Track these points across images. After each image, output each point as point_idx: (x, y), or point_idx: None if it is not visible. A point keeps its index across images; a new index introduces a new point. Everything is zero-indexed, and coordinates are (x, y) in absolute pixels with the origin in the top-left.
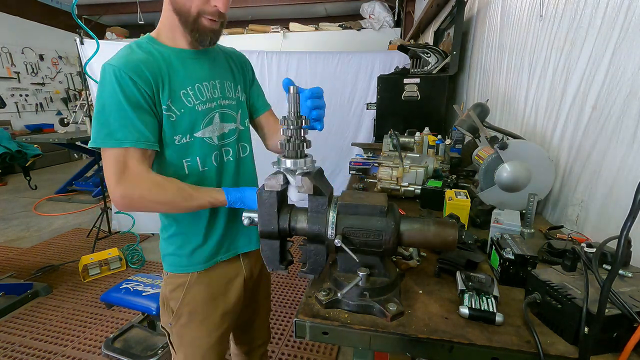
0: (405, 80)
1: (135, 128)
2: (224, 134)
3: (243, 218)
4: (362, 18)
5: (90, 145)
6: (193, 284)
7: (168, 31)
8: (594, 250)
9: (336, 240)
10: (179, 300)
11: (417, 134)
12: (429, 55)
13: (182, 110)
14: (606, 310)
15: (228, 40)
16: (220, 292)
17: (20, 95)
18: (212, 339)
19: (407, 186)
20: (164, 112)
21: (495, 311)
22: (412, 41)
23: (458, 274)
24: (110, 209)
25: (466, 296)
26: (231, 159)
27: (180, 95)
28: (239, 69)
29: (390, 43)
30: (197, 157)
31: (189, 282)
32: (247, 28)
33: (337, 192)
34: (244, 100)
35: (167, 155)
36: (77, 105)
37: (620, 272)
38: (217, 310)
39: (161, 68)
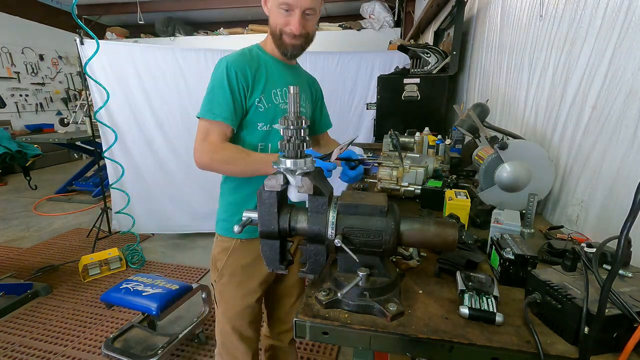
0: (405, 80)
1: (229, 108)
2: None
3: (243, 217)
4: (362, 18)
5: (197, 115)
6: (236, 249)
7: (270, 44)
8: (594, 250)
9: (336, 240)
10: (223, 262)
11: (417, 134)
12: (429, 55)
13: (269, 105)
14: (606, 310)
15: (228, 40)
16: (257, 262)
17: (20, 95)
18: (245, 302)
19: (407, 186)
20: (255, 103)
21: (495, 311)
22: (412, 41)
23: (458, 274)
24: (110, 209)
25: (466, 296)
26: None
27: (271, 93)
28: (312, 89)
29: (390, 43)
30: (270, 144)
31: (233, 247)
32: (247, 28)
33: (337, 192)
34: (309, 115)
35: (247, 137)
36: (77, 106)
37: (620, 272)
38: (253, 277)
39: (261, 70)
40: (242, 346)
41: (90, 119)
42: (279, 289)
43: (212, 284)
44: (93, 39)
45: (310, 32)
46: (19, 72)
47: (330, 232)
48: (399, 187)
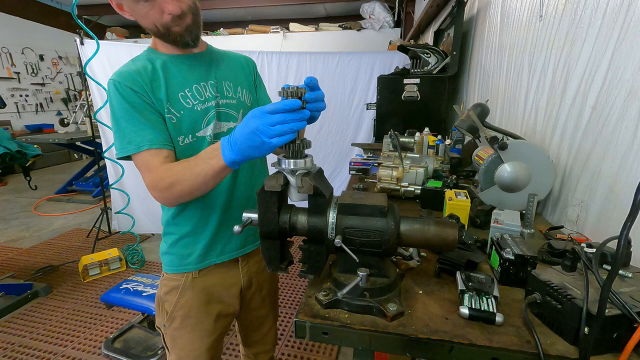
0: (405, 81)
1: (146, 131)
2: (223, 133)
3: (243, 218)
4: (362, 18)
5: (117, 156)
6: (187, 287)
7: (160, 44)
8: (594, 250)
9: (336, 241)
10: (172, 303)
11: (417, 134)
12: (429, 55)
13: (182, 112)
14: (606, 311)
15: (228, 40)
16: (216, 298)
17: (20, 96)
18: (204, 344)
19: (407, 186)
20: (165, 115)
21: (495, 311)
22: (412, 41)
23: (458, 274)
24: (110, 209)
25: (466, 296)
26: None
27: (178, 98)
28: (242, 69)
29: (390, 43)
30: None
31: (183, 285)
32: (247, 28)
33: (337, 192)
34: (248, 100)
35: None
36: (77, 106)
37: (621, 272)
38: (211, 315)
39: (156, 75)
40: None
41: (90, 119)
42: (247, 321)
43: (158, 327)
44: (93, 39)
45: (191, 3)
46: (19, 72)
47: (330, 232)
48: (399, 187)
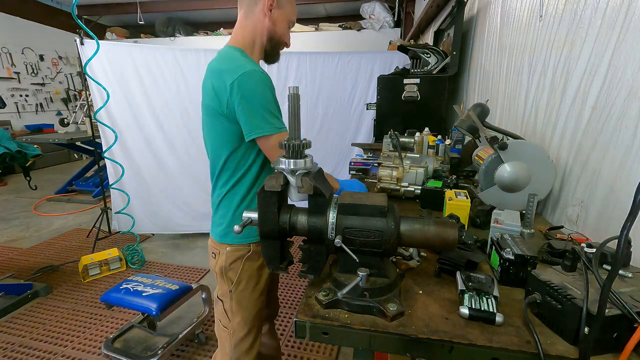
0: (405, 81)
1: (281, 118)
2: None
3: (243, 218)
4: (362, 18)
5: (257, 135)
6: (253, 254)
7: (251, 47)
8: (594, 250)
9: (336, 241)
10: (237, 271)
11: (417, 134)
12: (429, 55)
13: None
14: (606, 311)
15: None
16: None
17: (20, 96)
18: (261, 302)
19: (407, 186)
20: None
21: (495, 311)
22: (412, 41)
23: (458, 274)
24: (110, 209)
25: (466, 296)
26: None
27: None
28: None
29: (390, 43)
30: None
31: (248, 253)
32: None
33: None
34: None
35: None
36: (77, 106)
37: (621, 272)
38: (264, 275)
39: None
40: (254, 348)
41: (90, 119)
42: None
43: (221, 299)
44: (93, 39)
45: None
46: (19, 73)
47: (330, 232)
48: (399, 187)
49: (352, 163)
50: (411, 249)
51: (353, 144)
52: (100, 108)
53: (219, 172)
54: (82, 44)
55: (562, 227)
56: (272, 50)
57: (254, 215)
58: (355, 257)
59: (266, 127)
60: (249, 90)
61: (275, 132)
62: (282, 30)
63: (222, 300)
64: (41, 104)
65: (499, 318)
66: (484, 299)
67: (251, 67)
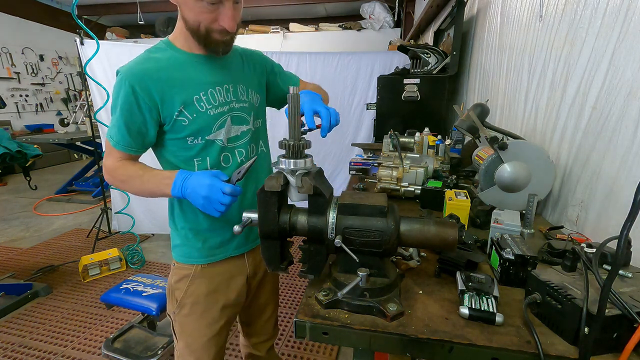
0: (405, 81)
1: (124, 136)
2: (236, 136)
3: (243, 218)
4: (362, 18)
5: (106, 135)
6: (197, 276)
7: (183, 39)
8: (594, 250)
9: (336, 241)
10: (182, 291)
11: (417, 134)
12: (429, 55)
13: (195, 115)
14: (606, 311)
15: None
16: (222, 287)
17: (21, 96)
18: (210, 331)
19: (407, 186)
20: (175, 117)
21: (495, 311)
22: (412, 41)
23: (458, 274)
24: (110, 209)
25: (466, 296)
26: (244, 160)
27: (193, 101)
28: (253, 69)
29: (390, 43)
30: (208, 158)
31: (193, 274)
32: (247, 28)
33: (337, 192)
34: (258, 102)
35: (179, 152)
36: (77, 106)
37: (621, 272)
38: (218, 304)
39: (172, 78)
40: None
41: (90, 119)
42: (251, 310)
43: (169, 315)
44: (93, 39)
45: (239, 20)
46: (19, 73)
47: (330, 232)
48: (399, 188)
49: (352, 163)
50: (411, 249)
51: (353, 144)
52: (100, 108)
53: None
54: (82, 44)
55: (562, 227)
56: (203, 40)
57: (254, 215)
58: (355, 257)
59: (108, 128)
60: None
61: (106, 136)
62: (196, 15)
63: (170, 317)
64: (41, 104)
65: (499, 318)
66: (484, 299)
67: (125, 67)
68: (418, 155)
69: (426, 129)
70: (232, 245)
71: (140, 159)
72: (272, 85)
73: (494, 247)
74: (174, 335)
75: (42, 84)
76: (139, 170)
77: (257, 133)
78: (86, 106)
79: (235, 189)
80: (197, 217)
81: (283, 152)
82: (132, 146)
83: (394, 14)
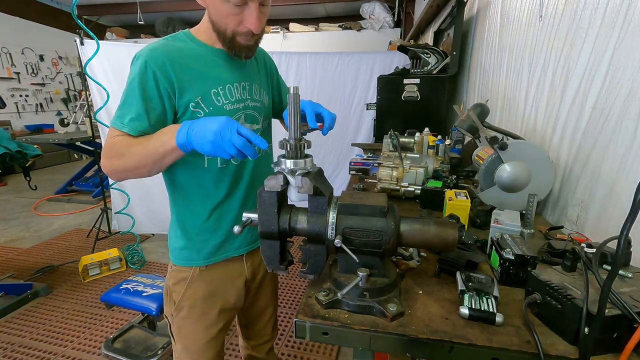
0: (405, 81)
1: (141, 121)
2: None
3: (243, 218)
4: (362, 18)
5: (110, 123)
6: (195, 279)
7: (207, 34)
8: (594, 250)
9: (336, 241)
10: (180, 294)
11: (417, 134)
12: (428, 55)
13: (211, 109)
14: (606, 311)
15: None
16: (220, 290)
17: (20, 96)
18: (208, 335)
19: (407, 186)
20: (190, 108)
21: (495, 311)
22: (412, 41)
23: (458, 274)
24: (110, 209)
25: (466, 296)
26: (249, 159)
27: (211, 94)
28: (265, 71)
29: (390, 43)
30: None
31: (190, 277)
32: None
33: (337, 192)
34: (267, 103)
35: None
36: (77, 106)
37: (621, 272)
38: (215, 307)
39: (192, 67)
40: None
41: (90, 119)
42: (250, 313)
43: (166, 317)
44: (93, 39)
45: (264, 25)
46: (19, 73)
47: (330, 232)
48: (399, 188)
49: (352, 163)
50: (411, 249)
51: (353, 144)
52: (100, 108)
53: None
54: (82, 44)
55: (562, 227)
56: (228, 43)
57: (254, 215)
58: (355, 257)
59: (113, 117)
60: (129, 73)
61: (110, 125)
62: (223, 17)
63: (167, 319)
64: (41, 104)
65: (499, 318)
66: (484, 299)
67: (145, 50)
68: (418, 155)
69: (426, 129)
70: (233, 246)
71: None
72: (275, 93)
73: (494, 247)
74: (171, 337)
75: (42, 84)
76: (139, 138)
77: (264, 134)
78: (86, 106)
79: (254, 135)
80: (201, 214)
81: (283, 152)
82: (149, 131)
83: (393, 14)
